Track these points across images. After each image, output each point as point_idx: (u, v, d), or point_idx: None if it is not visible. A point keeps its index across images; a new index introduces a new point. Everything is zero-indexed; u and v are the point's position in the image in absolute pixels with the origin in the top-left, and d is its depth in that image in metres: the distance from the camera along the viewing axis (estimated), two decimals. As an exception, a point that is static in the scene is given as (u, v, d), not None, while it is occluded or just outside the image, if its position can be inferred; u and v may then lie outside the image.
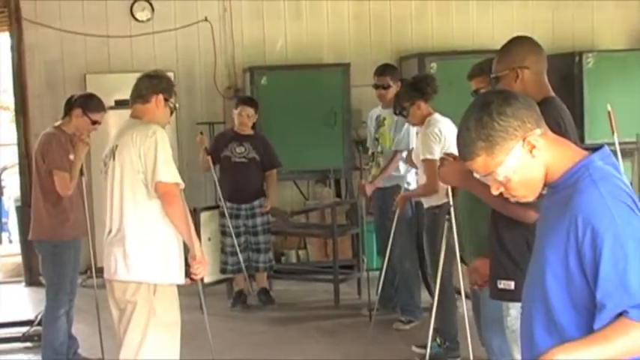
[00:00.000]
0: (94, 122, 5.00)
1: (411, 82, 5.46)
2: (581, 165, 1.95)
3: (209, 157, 6.56)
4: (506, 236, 3.11)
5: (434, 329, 4.66)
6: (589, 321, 1.87)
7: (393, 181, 6.07)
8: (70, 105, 5.06)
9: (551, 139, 1.98)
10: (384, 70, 6.26)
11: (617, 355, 1.82)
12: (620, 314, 1.81)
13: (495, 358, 3.79)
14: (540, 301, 1.98)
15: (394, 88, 6.09)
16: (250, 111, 6.61)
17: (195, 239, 3.89)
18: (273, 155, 6.73)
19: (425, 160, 5.13)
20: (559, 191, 1.97)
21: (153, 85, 3.89)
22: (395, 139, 6.07)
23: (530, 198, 2.02)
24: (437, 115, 5.25)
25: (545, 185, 2.02)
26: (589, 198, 1.87)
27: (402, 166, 6.03)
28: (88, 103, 5.01)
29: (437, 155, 5.02)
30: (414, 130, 5.97)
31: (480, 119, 1.93)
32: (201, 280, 4.26)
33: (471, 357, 4.15)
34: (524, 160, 1.94)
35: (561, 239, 1.90)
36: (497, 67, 3.16)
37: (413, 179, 5.93)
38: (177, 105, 4.06)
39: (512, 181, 1.97)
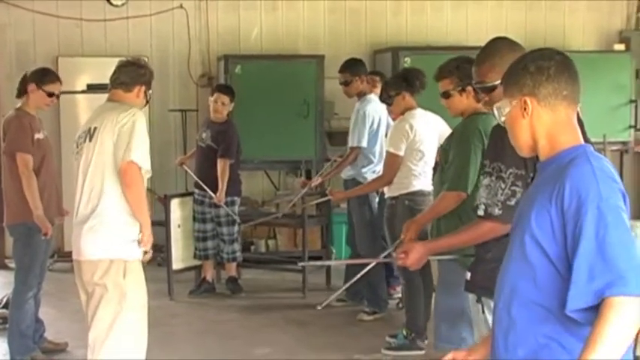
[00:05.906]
0: (50, 95, 4.94)
1: (402, 73, 5.53)
2: (580, 148, 2.07)
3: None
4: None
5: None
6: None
7: (351, 174, 6.14)
8: (24, 82, 4.97)
9: (556, 118, 2.08)
10: (344, 66, 6.25)
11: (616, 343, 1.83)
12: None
13: (442, 345, 3.85)
14: (523, 275, 2.03)
15: (357, 83, 6.13)
16: (225, 98, 6.57)
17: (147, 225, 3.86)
18: (227, 146, 6.46)
19: (387, 153, 5.25)
20: (551, 168, 2.06)
21: (139, 75, 3.90)
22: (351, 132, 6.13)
23: (517, 150, 2.16)
24: (417, 111, 5.26)
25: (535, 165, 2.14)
26: (581, 170, 1.99)
27: (360, 161, 6.08)
28: (41, 76, 4.94)
29: (401, 152, 5.14)
30: (366, 128, 6.02)
31: (529, 58, 2.21)
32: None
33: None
34: (515, 113, 2.12)
35: (544, 205, 1.99)
36: (490, 75, 2.93)
37: (371, 175, 5.98)
38: (151, 96, 4.07)
39: (505, 122, 2.16)
